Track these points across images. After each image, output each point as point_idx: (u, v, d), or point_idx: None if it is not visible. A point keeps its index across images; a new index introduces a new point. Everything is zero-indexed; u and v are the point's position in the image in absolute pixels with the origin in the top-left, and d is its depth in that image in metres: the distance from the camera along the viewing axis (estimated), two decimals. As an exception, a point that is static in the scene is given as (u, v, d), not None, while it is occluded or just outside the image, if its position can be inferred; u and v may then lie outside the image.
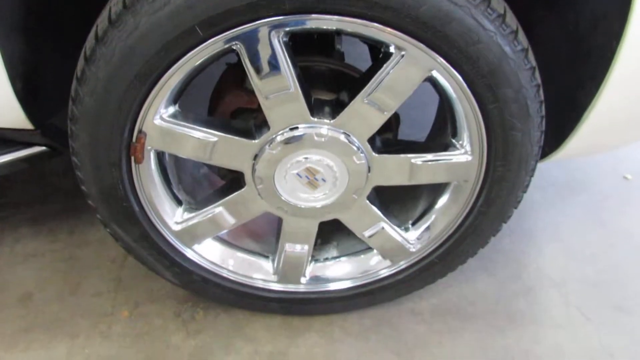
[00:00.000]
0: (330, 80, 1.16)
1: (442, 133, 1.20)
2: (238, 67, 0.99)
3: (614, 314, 1.45)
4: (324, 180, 1.12)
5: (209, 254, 1.26)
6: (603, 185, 1.94)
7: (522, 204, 1.22)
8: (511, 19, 0.95)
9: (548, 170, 2.00)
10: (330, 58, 1.19)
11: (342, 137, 1.07)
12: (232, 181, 1.22)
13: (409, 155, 1.12)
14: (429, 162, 1.12)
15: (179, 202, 1.21)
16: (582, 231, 1.72)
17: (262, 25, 0.90)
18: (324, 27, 0.92)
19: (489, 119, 1.03)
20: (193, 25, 0.87)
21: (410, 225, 1.26)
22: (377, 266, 1.30)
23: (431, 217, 1.24)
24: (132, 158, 1.06)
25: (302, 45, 1.16)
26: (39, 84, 1.12)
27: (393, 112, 1.05)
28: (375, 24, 0.91)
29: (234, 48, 0.94)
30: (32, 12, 1.03)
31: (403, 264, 1.28)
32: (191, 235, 1.21)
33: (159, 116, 1.02)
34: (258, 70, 0.97)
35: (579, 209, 1.82)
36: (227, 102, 1.16)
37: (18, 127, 1.14)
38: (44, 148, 1.27)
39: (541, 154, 1.24)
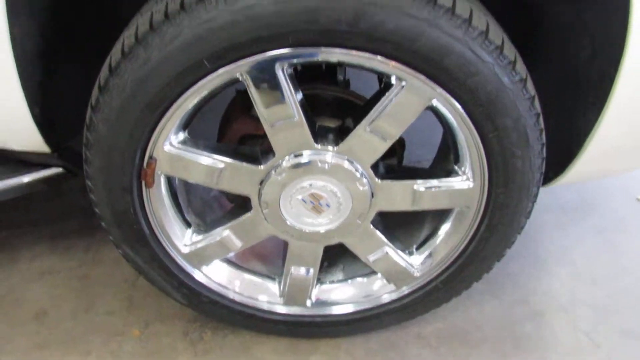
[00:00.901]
0: (335, 107, 1.20)
1: (445, 159, 1.22)
2: (246, 94, 1.03)
3: (624, 340, 1.44)
4: (328, 205, 1.15)
5: (216, 275, 1.29)
6: (614, 207, 1.93)
7: (530, 226, 1.22)
8: (509, 50, 0.97)
9: (558, 191, 1.99)
10: (334, 86, 1.22)
11: (346, 164, 1.10)
12: (239, 205, 1.25)
13: (412, 182, 1.14)
14: (432, 189, 1.14)
15: (188, 225, 1.25)
16: (592, 255, 1.71)
17: (266, 58, 0.94)
18: (327, 60, 0.96)
19: (489, 147, 1.05)
20: (201, 59, 0.92)
21: (414, 250, 1.28)
22: (382, 290, 1.31)
23: (435, 242, 1.25)
24: (143, 182, 1.10)
25: (307, 73, 1.20)
26: (56, 109, 1.17)
27: (395, 139, 1.07)
28: (377, 57, 0.94)
29: (241, 79, 0.98)
30: (50, 41, 1.09)
31: (407, 289, 1.29)
32: (199, 257, 1.24)
33: (169, 143, 1.06)
34: (263, 99, 1.01)
35: (589, 232, 1.81)
36: (235, 128, 1.20)
37: (36, 150, 1.19)
38: (60, 170, 1.32)
39: (545, 179, 1.25)
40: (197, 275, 1.26)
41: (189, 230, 1.25)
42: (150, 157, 1.07)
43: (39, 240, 1.72)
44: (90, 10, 1.22)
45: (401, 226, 1.34)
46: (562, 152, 1.19)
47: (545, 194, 1.89)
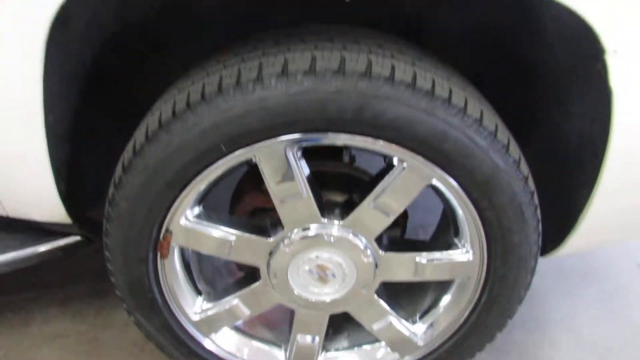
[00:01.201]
0: (341, 182, 1.27)
1: (445, 232, 1.28)
2: (257, 169, 1.11)
3: (629, 413, 1.44)
4: (334, 276, 1.20)
5: (225, 343, 1.32)
6: (617, 273, 1.95)
7: (534, 292, 1.26)
8: (502, 135, 1.05)
9: (561, 257, 2.03)
10: (340, 162, 1.30)
11: (351, 237, 1.16)
12: (248, 273, 1.30)
13: (414, 254, 1.19)
14: (433, 261, 1.19)
15: (198, 292, 1.30)
16: (596, 323, 1.73)
17: (278, 142, 1.02)
18: (334, 143, 1.04)
19: (486, 223, 1.11)
20: (218, 143, 1.00)
21: (417, 319, 1.31)
22: (386, 358, 1.34)
23: (437, 312, 1.29)
24: (159, 254, 1.16)
25: (315, 150, 1.28)
26: (78, 183, 1.25)
27: (398, 214, 1.14)
28: (379, 141, 1.02)
29: (254, 160, 1.06)
30: (78, 125, 1.18)
31: (411, 358, 1.31)
32: (209, 324, 1.28)
33: (185, 217, 1.13)
34: (274, 177, 1.08)
35: (593, 299, 1.83)
36: (246, 202, 1.27)
37: (58, 220, 1.26)
38: (78, 238, 1.38)
39: (544, 250, 1.30)
40: (207, 343, 1.30)
41: (200, 298, 1.29)
42: (167, 230, 1.13)
43: (51, 303, 1.76)
44: (115, 99, 1.32)
45: (404, 295, 1.38)
46: (558, 226, 1.25)
47: (548, 259, 1.92)
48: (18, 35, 0.91)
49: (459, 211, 1.13)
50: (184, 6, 1.20)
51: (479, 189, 1.06)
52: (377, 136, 1.01)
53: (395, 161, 1.08)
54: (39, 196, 1.14)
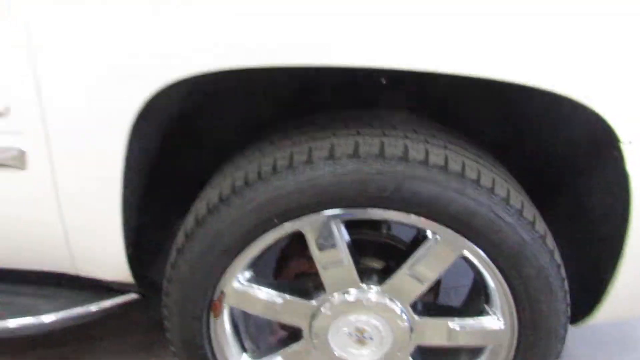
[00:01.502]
0: (378, 250, 1.37)
1: (476, 299, 1.35)
2: (302, 237, 1.23)
3: None
4: (371, 338, 1.28)
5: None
6: (654, 342, 1.94)
7: (569, 360, 1.28)
8: (529, 212, 1.15)
9: (597, 325, 2.03)
10: (378, 231, 1.41)
11: (388, 302, 1.25)
12: (291, 333, 1.40)
13: (447, 320, 1.27)
14: (465, 327, 1.26)
15: (244, 349, 1.40)
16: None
17: (323, 216, 1.15)
18: (372, 217, 1.16)
19: (515, 293, 1.19)
20: (272, 217, 1.13)
21: (451, 383, 1.37)
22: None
23: (471, 377, 1.35)
24: (212, 313, 1.28)
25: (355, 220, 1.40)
26: (141, 248, 1.40)
27: (432, 282, 1.23)
28: (415, 216, 1.13)
29: (301, 230, 1.18)
30: (148, 196, 1.34)
31: (445, 422, 1.36)
32: (253, 381, 1.37)
33: (237, 280, 1.25)
34: (318, 245, 1.20)
35: (629, 369, 1.82)
36: (292, 267, 1.39)
37: (122, 280, 1.40)
38: (136, 295, 1.52)
39: (575, 319, 1.35)
40: (251, 398, 1.38)
41: (245, 355, 1.39)
42: (221, 292, 1.25)
43: (99, 356, 1.86)
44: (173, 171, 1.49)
45: (438, 358, 1.44)
46: (587, 296, 1.31)
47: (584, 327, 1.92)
48: (105, 126, 1.08)
49: (489, 280, 1.22)
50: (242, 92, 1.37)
51: (507, 261, 1.15)
52: (412, 212, 1.13)
53: (428, 233, 1.18)
54: (110, 260, 1.28)
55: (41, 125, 1.09)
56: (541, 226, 1.17)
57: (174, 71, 1.03)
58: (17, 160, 1.14)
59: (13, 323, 1.41)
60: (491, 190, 1.11)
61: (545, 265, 1.16)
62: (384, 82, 1.38)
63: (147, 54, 1.03)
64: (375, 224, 1.45)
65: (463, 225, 1.12)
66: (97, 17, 1.03)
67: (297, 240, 1.43)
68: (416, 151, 1.10)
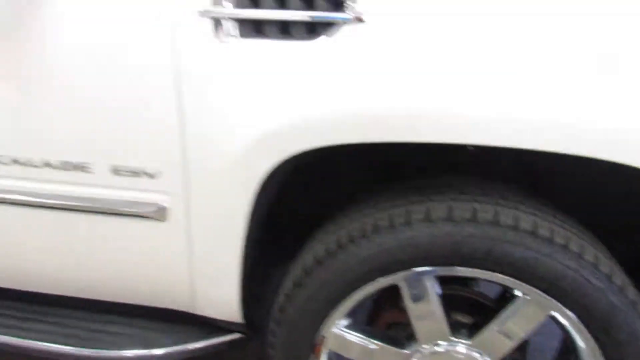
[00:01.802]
0: (468, 305, 1.46)
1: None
2: (396, 290, 1.35)
3: None
4: (462, 390, 1.36)
5: None
6: None
7: None
8: (618, 278, 1.21)
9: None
10: (468, 287, 1.51)
11: (476, 356, 1.33)
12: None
13: (535, 378, 1.32)
14: (554, 387, 1.31)
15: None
16: None
17: (418, 272, 1.27)
18: (462, 275, 1.27)
19: (607, 355, 1.23)
20: (372, 270, 1.27)
21: None
22: None
23: None
24: (312, 354, 1.42)
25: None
26: (255, 291, 1.57)
27: (521, 340, 1.30)
28: (504, 276, 1.23)
29: (398, 284, 1.31)
30: (264, 249, 1.52)
31: None
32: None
33: (337, 326, 1.39)
34: (412, 298, 1.32)
35: None
36: (386, 316, 1.51)
37: (233, 320, 1.57)
38: (241, 335, 1.68)
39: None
40: None
41: (339, 398, 1.51)
42: (322, 336, 1.39)
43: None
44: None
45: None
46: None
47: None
48: (238, 187, 1.27)
49: (580, 342, 1.27)
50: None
51: (596, 324, 1.21)
52: (502, 272, 1.22)
53: (517, 292, 1.26)
54: (226, 301, 1.46)
55: (184, 186, 1.31)
56: (632, 292, 1.21)
57: (311, 141, 1.18)
58: (159, 214, 1.36)
59: (128, 353, 1.56)
60: (580, 255, 1.18)
61: (638, 330, 1.20)
62: (471, 149, 1.50)
63: (287, 124, 1.18)
64: (464, 280, 1.54)
65: (551, 287, 1.20)
66: (245, 92, 1.20)
67: (391, 291, 1.56)
68: (506, 217, 1.20)
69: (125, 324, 1.66)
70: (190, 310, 1.58)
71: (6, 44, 1.30)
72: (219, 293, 1.45)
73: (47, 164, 1.37)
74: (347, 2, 1.13)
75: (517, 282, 1.22)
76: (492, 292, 1.50)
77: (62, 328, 1.64)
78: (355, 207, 1.39)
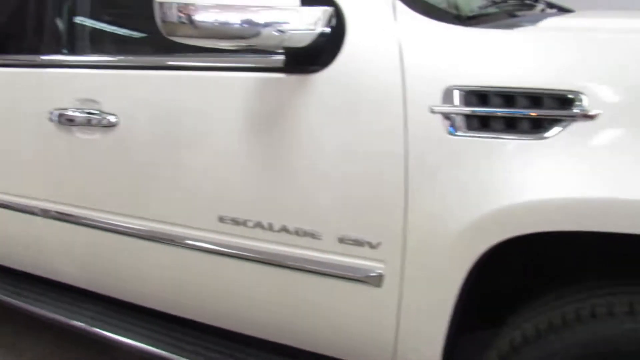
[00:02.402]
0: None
1: None
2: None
3: None
4: None
5: None
6: None
7: None
8: None
9: None
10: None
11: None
12: None
13: None
14: None
15: None
16: None
17: None
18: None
19: None
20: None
21: None
22: None
23: None
24: None
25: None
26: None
27: None
28: None
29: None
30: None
31: None
32: None
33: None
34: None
35: None
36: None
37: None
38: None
39: None
40: None
41: None
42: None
43: None
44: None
45: None
46: None
47: None
48: (454, 258, 1.38)
49: None
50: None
51: None
52: None
53: None
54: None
55: (401, 256, 1.47)
56: None
57: (533, 227, 1.28)
58: (376, 280, 1.53)
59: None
60: None
61: None
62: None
63: (515, 207, 1.29)
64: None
65: None
66: (466, 181, 1.34)
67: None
68: None
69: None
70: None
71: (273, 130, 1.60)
72: (421, 351, 1.55)
73: (284, 229, 1.63)
74: (576, 101, 1.23)
75: None
76: None
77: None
78: (556, 293, 1.42)
